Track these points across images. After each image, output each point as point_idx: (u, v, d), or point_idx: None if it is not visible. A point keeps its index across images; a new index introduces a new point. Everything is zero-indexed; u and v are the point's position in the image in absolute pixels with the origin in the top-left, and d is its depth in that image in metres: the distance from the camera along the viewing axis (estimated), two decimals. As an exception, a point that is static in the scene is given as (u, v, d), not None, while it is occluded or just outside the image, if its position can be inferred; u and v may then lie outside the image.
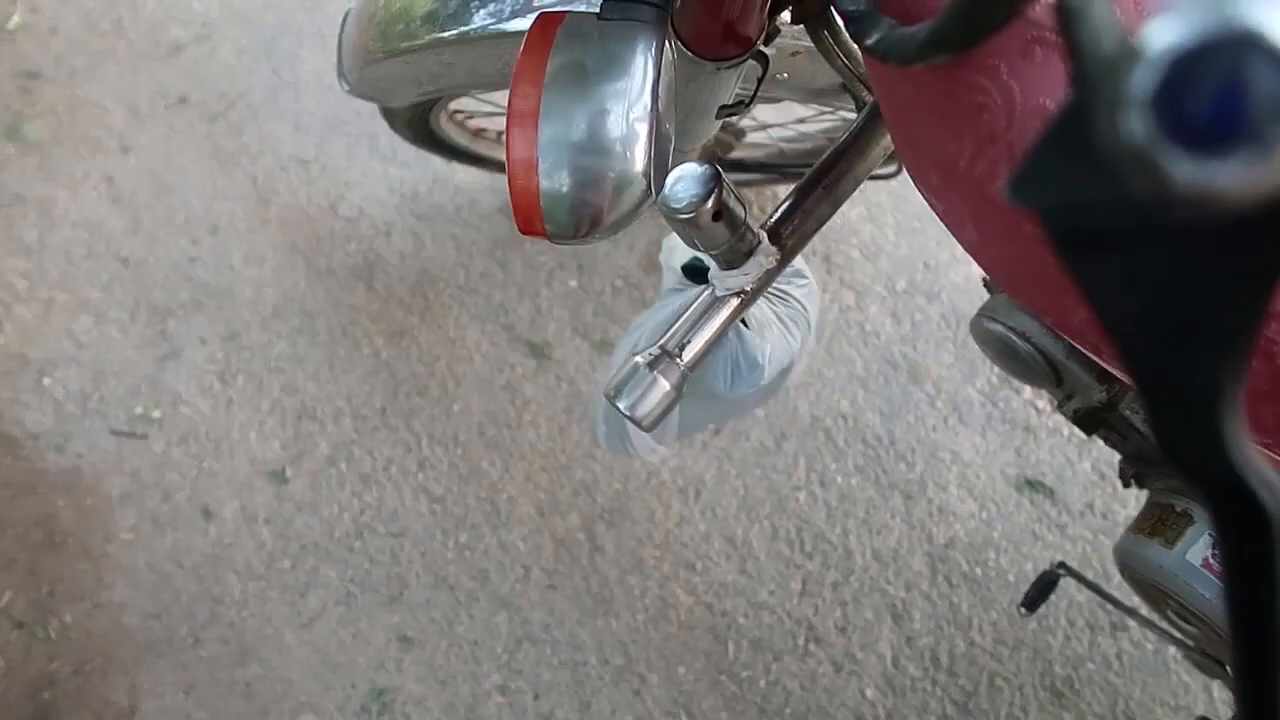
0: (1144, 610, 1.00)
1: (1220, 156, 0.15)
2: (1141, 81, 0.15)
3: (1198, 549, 0.79)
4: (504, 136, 0.51)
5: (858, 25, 0.42)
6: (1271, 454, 0.46)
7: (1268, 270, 0.18)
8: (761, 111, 1.32)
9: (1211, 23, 0.14)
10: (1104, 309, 0.23)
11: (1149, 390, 0.23)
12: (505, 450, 1.34)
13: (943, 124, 0.43)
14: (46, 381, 1.39)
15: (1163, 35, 0.15)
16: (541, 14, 0.50)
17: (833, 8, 0.45)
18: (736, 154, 1.35)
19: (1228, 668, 0.88)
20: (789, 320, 0.77)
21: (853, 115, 1.17)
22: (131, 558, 1.28)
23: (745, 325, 0.75)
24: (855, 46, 0.74)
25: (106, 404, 1.37)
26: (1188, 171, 0.15)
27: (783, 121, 1.34)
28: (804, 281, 0.81)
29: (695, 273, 0.81)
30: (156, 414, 1.36)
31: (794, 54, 0.88)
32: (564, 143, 0.49)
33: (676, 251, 0.78)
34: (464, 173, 1.54)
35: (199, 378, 1.39)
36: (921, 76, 0.44)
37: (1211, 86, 0.14)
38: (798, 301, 0.79)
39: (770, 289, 0.80)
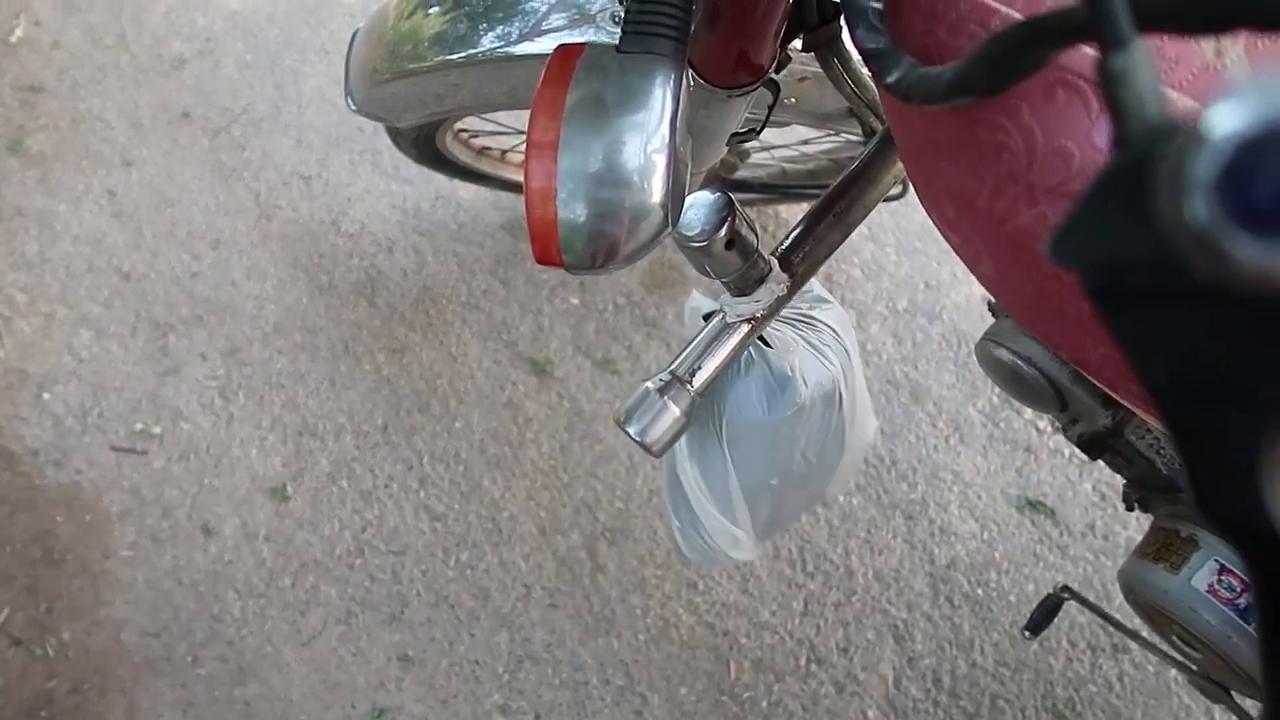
0: (1146, 633, 1.00)
1: None
2: (1207, 166, 0.15)
3: (1203, 575, 0.79)
4: (522, 164, 0.52)
5: (878, 63, 0.42)
6: None
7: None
8: (766, 133, 1.32)
9: (1274, 111, 0.14)
10: (1143, 366, 0.23)
11: (1186, 446, 0.23)
12: (507, 468, 1.34)
13: (961, 161, 0.44)
14: (46, 396, 1.38)
15: (1226, 121, 0.15)
16: (561, 46, 0.50)
17: (851, 42, 0.45)
18: (739, 174, 1.36)
19: (1232, 693, 0.89)
20: (820, 345, 0.77)
21: (854, 136, 1.18)
22: (131, 575, 1.27)
23: (767, 345, 0.75)
24: (864, 73, 0.75)
25: (106, 419, 1.37)
26: (1251, 253, 0.15)
27: (786, 143, 1.35)
28: (828, 306, 0.81)
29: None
30: (157, 430, 1.36)
31: (802, 79, 0.88)
32: (582, 174, 0.49)
33: (700, 310, 0.78)
34: (466, 190, 1.54)
35: (200, 393, 1.39)
36: (940, 114, 0.44)
37: (1275, 172, 0.15)
38: (827, 326, 0.79)
39: (793, 316, 0.80)
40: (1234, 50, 0.35)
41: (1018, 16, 0.39)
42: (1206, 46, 0.35)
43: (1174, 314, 0.21)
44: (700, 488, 0.81)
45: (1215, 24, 0.23)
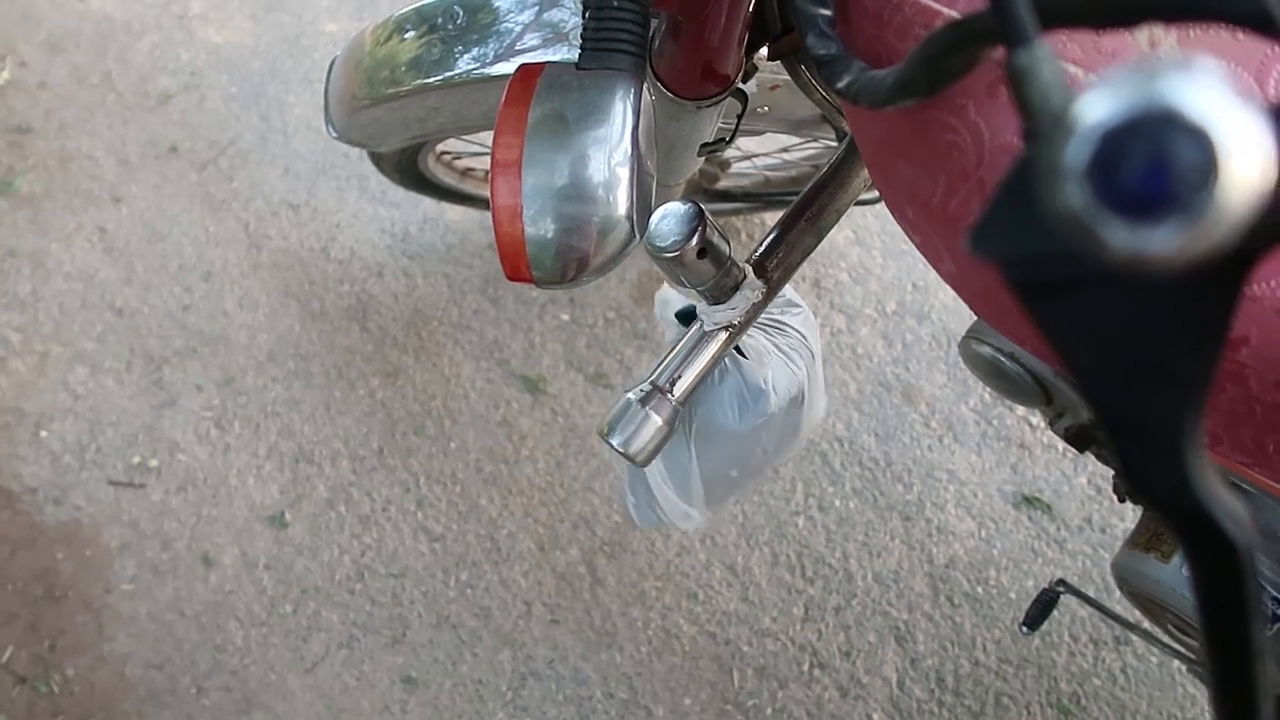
0: (1146, 624, 1.00)
1: (1151, 223, 0.15)
2: (1076, 153, 0.16)
3: (1193, 562, 0.80)
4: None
5: (829, 69, 0.43)
6: (1256, 474, 0.46)
7: (1214, 317, 0.19)
8: (745, 142, 1.33)
9: (1137, 100, 0.15)
10: (1066, 352, 0.23)
11: (1113, 428, 0.24)
12: (503, 486, 1.34)
13: (916, 162, 0.44)
14: (43, 434, 1.39)
15: (1093, 110, 0.16)
16: (522, 66, 0.51)
17: (804, 49, 0.46)
18: (722, 184, 1.37)
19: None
20: (789, 350, 0.78)
21: (833, 141, 1.18)
22: (132, 608, 1.28)
23: (743, 355, 0.76)
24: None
25: (104, 454, 1.38)
26: (1122, 237, 0.16)
27: (767, 151, 1.36)
28: (798, 310, 0.82)
29: (689, 318, 0.82)
30: (154, 463, 1.37)
31: (773, 88, 0.89)
32: (547, 190, 0.49)
33: (670, 303, 0.79)
34: (453, 211, 1.55)
35: (195, 425, 1.40)
36: (893, 116, 0.45)
37: (1140, 159, 0.15)
38: (795, 330, 0.80)
39: (764, 321, 0.81)
40: (1168, 40, 0.35)
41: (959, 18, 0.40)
42: (1141, 38, 0.36)
43: (1087, 301, 0.22)
44: (663, 477, 0.82)
45: (1122, 17, 0.24)
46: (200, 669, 1.24)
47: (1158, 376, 0.22)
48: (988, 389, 1.34)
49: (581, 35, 0.50)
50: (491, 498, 1.33)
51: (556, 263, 0.51)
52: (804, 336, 0.80)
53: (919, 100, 0.37)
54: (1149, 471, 0.24)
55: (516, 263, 0.51)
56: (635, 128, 0.50)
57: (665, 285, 0.84)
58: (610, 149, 0.49)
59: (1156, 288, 0.20)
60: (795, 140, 1.30)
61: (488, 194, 1.48)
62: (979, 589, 1.25)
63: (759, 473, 0.86)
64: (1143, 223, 0.15)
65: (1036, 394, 0.87)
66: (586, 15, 0.50)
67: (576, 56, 0.84)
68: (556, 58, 0.91)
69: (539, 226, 0.50)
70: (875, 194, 1.17)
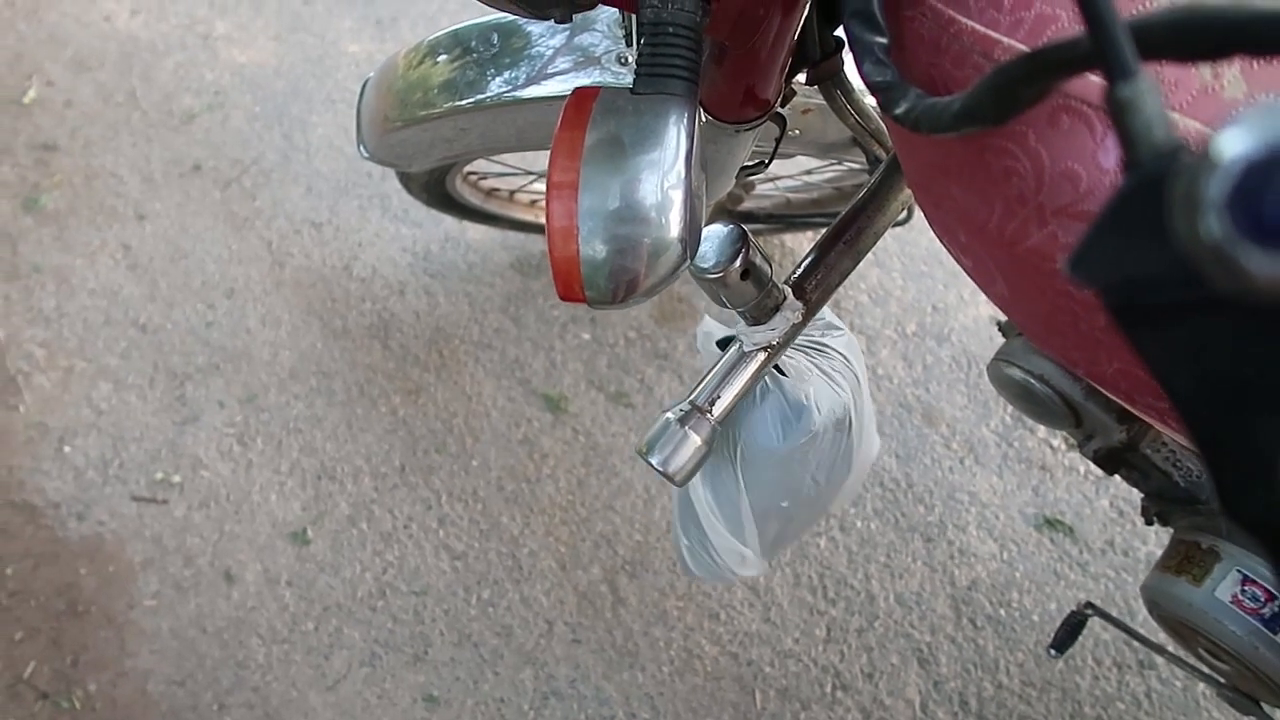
0: (1172, 647, 1.00)
1: None
2: (1218, 187, 0.16)
3: (1226, 586, 0.80)
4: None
5: (886, 96, 0.44)
6: None
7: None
8: (772, 164, 1.34)
9: (1277, 135, 0.16)
10: (1166, 377, 0.24)
11: (1210, 452, 0.24)
12: (525, 504, 1.34)
13: (971, 186, 0.45)
14: (67, 449, 1.40)
15: (1233, 146, 0.16)
16: (576, 91, 0.52)
17: (857, 75, 0.47)
18: (745, 205, 1.38)
19: (1261, 704, 0.88)
20: (831, 371, 0.78)
21: (857, 164, 1.19)
22: (155, 624, 1.28)
23: (783, 374, 0.76)
24: (867, 103, 0.76)
25: (127, 470, 1.38)
26: (1263, 264, 0.16)
27: (790, 173, 1.37)
28: (839, 333, 0.82)
29: (729, 345, 0.82)
30: (177, 479, 1.37)
31: (805, 111, 0.90)
32: (602, 212, 0.50)
33: (712, 334, 0.79)
34: (475, 230, 1.56)
35: (218, 441, 1.40)
36: (948, 141, 0.46)
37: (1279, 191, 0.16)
38: (838, 353, 0.80)
39: (806, 343, 0.81)
40: (1230, 72, 0.36)
41: (1020, 46, 0.41)
42: (1204, 69, 0.36)
43: (1193, 325, 0.22)
44: (712, 509, 0.82)
45: (1213, 52, 0.25)
46: (222, 685, 1.24)
47: (1261, 399, 0.22)
48: (1009, 410, 1.34)
49: (637, 60, 0.51)
50: (513, 516, 1.34)
51: (609, 283, 0.51)
52: (847, 359, 0.80)
53: (984, 129, 0.38)
54: (1245, 495, 0.24)
55: (570, 283, 0.51)
56: (689, 152, 0.50)
57: (707, 316, 0.84)
58: (664, 172, 0.50)
59: (1263, 311, 0.21)
60: (819, 163, 1.31)
61: (513, 214, 1.49)
62: (1001, 611, 1.25)
63: (811, 506, 0.85)
64: (1282, 250, 0.16)
65: (1066, 416, 0.87)
66: (642, 41, 0.51)
67: (617, 79, 0.85)
68: (588, 81, 0.93)
69: (593, 248, 0.51)
70: (901, 215, 1.18)
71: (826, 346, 0.80)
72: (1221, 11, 0.24)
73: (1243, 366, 0.22)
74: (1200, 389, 0.23)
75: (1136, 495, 0.96)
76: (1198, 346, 0.22)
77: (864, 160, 0.96)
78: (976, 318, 1.44)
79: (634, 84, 0.51)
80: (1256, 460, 0.23)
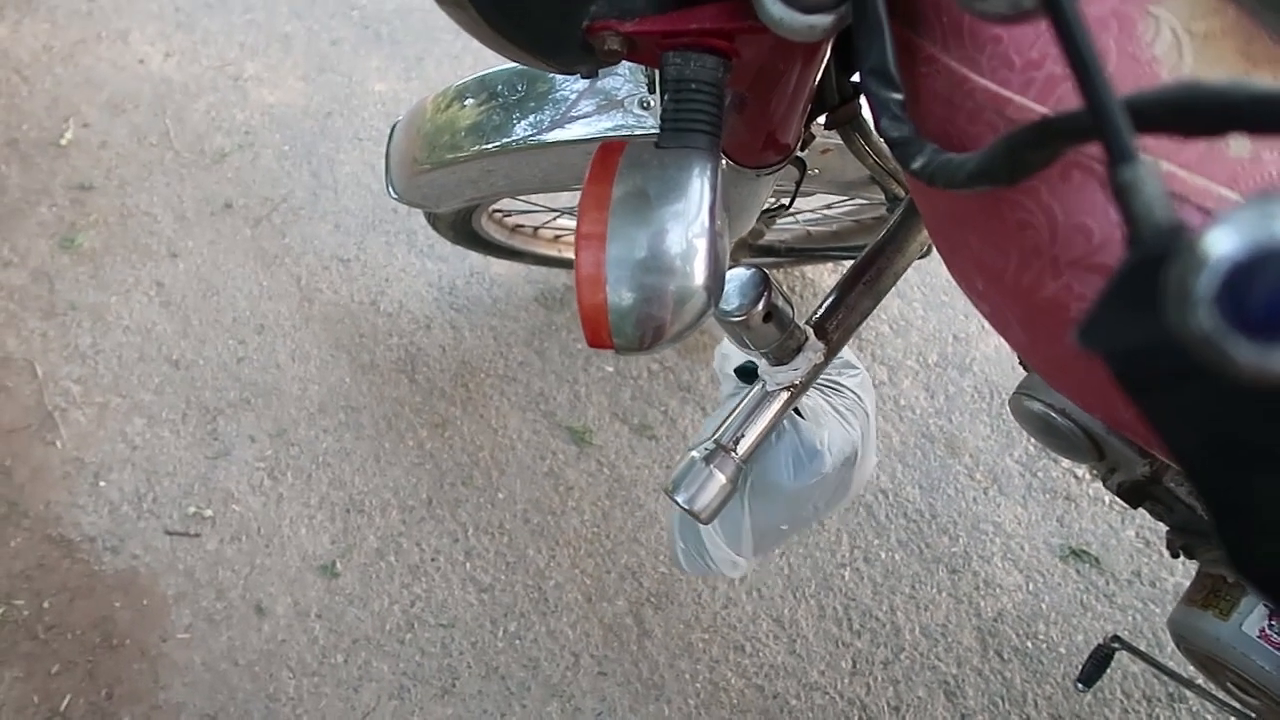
0: (1201, 681, 1.00)
1: (1276, 342, 0.17)
2: (1206, 284, 0.18)
3: (1253, 620, 0.80)
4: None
5: (902, 150, 0.45)
6: None
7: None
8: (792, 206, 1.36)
9: (1262, 237, 0.17)
10: (1171, 438, 0.25)
11: (1216, 508, 0.26)
12: (550, 537, 1.36)
13: (987, 237, 0.46)
14: (102, 484, 1.43)
15: (1220, 245, 0.18)
16: (603, 145, 0.54)
17: (878, 132, 0.48)
18: (766, 239, 1.39)
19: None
20: (845, 410, 0.80)
21: (876, 199, 1.21)
22: (188, 657, 1.30)
23: (800, 415, 0.78)
24: (884, 145, 0.78)
25: (160, 504, 1.41)
26: (1249, 354, 0.18)
27: (810, 208, 1.38)
28: (855, 372, 0.84)
29: (748, 374, 0.83)
30: (209, 512, 1.40)
31: (825, 151, 0.92)
32: (629, 262, 0.52)
33: (730, 358, 0.81)
34: (499, 265, 1.59)
35: (249, 475, 1.43)
36: (964, 194, 0.47)
37: (1265, 289, 0.17)
38: (851, 392, 0.81)
39: (822, 381, 0.83)
40: (1238, 139, 0.37)
41: (1033, 105, 0.42)
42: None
43: (1195, 391, 0.23)
44: (714, 527, 0.84)
45: (1212, 130, 0.26)
46: (254, 718, 1.26)
47: (1263, 460, 0.24)
48: (1033, 440, 1.34)
49: (661, 116, 0.53)
50: (539, 548, 1.35)
51: (636, 330, 0.53)
52: (859, 398, 0.82)
53: (996, 187, 0.39)
54: (1252, 553, 0.25)
55: (598, 330, 0.53)
56: (713, 203, 0.52)
57: (725, 340, 0.86)
58: (688, 223, 0.52)
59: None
60: (838, 198, 1.33)
61: (537, 249, 1.51)
62: (1028, 643, 1.24)
63: (807, 524, 0.87)
64: (1268, 342, 0.17)
65: (1089, 449, 0.88)
66: (666, 97, 0.53)
67: (639, 121, 0.87)
68: (610, 124, 0.95)
69: (620, 296, 0.52)
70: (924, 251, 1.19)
71: (841, 385, 0.82)
72: (1221, 90, 0.26)
73: (1243, 429, 0.23)
74: (1205, 450, 0.24)
75: (1162, 526, 0.96)
76: (1199, 410, 0.23)
77: (884, 197, 0.98)
78: (998, 347, 1.44)
79: (659, 138, 0.53)
80: (1261, 517, 0.24)
